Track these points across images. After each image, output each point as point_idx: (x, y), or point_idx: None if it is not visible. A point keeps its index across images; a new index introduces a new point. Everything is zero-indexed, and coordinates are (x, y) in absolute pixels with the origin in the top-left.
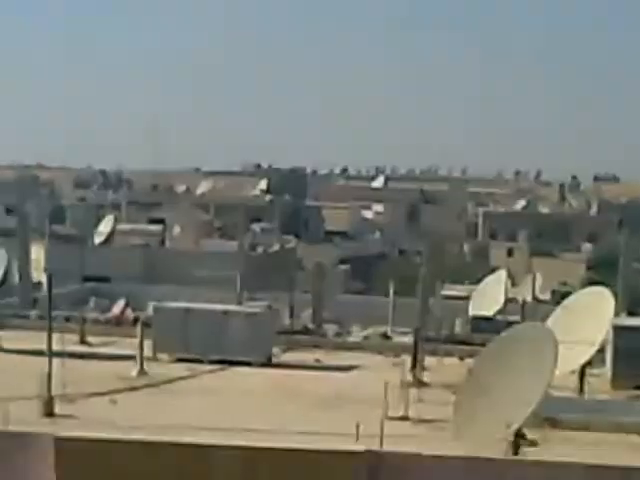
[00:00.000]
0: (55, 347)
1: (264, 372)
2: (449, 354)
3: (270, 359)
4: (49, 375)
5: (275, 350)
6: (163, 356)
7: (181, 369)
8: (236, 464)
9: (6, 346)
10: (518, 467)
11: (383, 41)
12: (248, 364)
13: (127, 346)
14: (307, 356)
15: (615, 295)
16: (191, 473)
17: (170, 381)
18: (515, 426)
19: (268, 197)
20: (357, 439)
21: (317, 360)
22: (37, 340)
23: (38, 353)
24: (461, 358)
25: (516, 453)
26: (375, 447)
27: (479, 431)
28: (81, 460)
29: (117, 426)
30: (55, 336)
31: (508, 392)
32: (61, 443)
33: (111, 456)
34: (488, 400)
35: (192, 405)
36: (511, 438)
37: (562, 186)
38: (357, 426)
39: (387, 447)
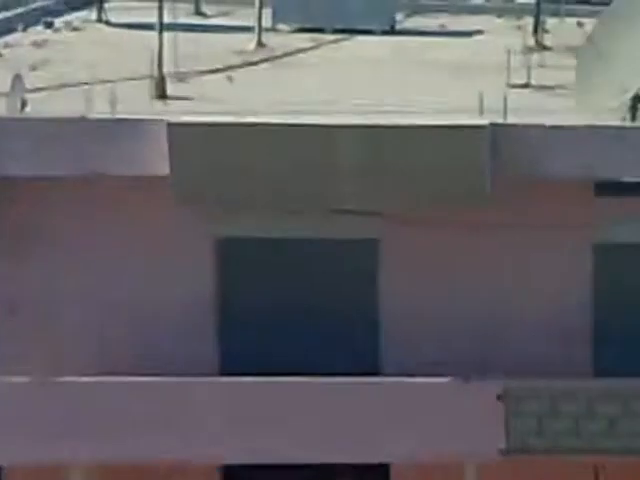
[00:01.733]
0: (167, 19)
1: (387, 40)
2: (570, 15)
3: (393, 26)
4: (160, 52)
5: (399, 17)
6: (282, 27)
7: (302, 40)
8: (362, 144)
9: (113, 19)
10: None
11: None
12: (370, 32)
13: (245, 17)
14: (431, 22)
15: None
16: (315, 155)
17: (290, 53)
18: (631, 93)
19: None
20: (481, 113)
21: (441, 26)
22: (147, 12)
23: (148, 27)
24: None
25: (634, 118)
26: (499, 120)
27: (598, 99)
28: (196, 147)
29: (234, 107)
30: (167, 6)
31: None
32: (175, 129)
33: (227, 143)
34: (606, 66)
35: (314, 79)
36: (628, 104)
37: None
38: (480, 99)
39: (510, 119)
